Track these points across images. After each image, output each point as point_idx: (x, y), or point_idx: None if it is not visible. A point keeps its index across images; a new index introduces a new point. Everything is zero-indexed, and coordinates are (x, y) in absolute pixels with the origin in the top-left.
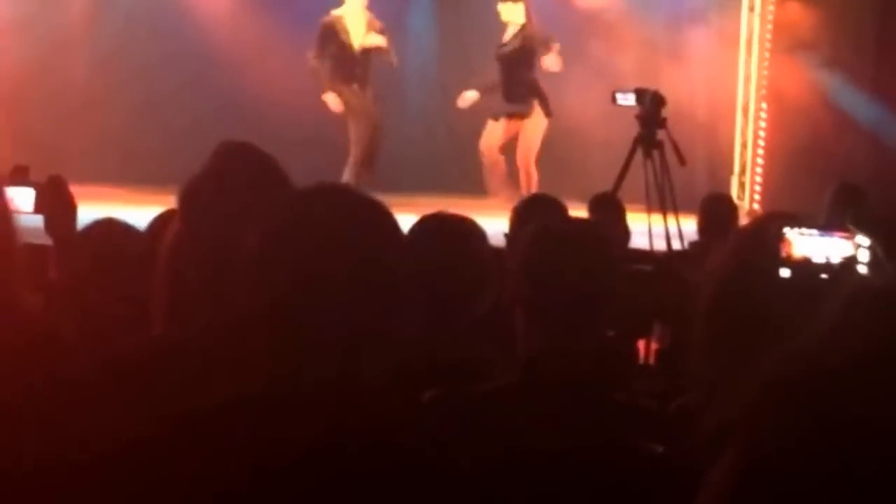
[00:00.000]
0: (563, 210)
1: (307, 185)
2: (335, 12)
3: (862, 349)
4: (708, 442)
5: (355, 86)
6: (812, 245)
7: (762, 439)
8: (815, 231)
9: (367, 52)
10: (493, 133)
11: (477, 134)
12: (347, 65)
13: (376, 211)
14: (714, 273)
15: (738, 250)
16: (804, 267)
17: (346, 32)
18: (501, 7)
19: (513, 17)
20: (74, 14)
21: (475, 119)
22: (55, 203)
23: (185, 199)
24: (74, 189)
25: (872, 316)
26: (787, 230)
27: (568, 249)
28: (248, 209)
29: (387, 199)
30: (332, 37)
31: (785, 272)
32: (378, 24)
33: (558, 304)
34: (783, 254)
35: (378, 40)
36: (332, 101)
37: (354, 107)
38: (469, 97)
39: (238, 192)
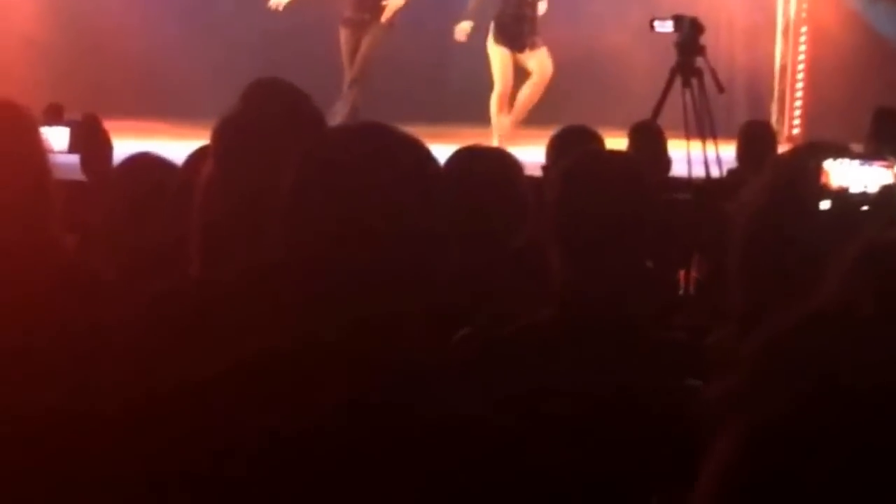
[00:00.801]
0: (600, 142)
1: (343, 124)
2: None
3: (871, 306)
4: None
5: (367, 15)
6: (851, 175)
7: (765, 405)
8: (854, 161)
9: None
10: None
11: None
12: None
13: (415, 151)
14: (749, 203)
15: (774, 181)
16: (842, 198)
17: None
18: None
19: None
20: None
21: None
22: (90, 142)
23: (217, 140)
24: (113, 124)
25: (883, 272)
26: (826, 161)
27: (601, 186)
28: (282, 149)
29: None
30: None
31: (823, 203)
32: None
33: (592, 240)
34: (821, 184)
35: None
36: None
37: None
38: (463, 28)
39: (271, 132)
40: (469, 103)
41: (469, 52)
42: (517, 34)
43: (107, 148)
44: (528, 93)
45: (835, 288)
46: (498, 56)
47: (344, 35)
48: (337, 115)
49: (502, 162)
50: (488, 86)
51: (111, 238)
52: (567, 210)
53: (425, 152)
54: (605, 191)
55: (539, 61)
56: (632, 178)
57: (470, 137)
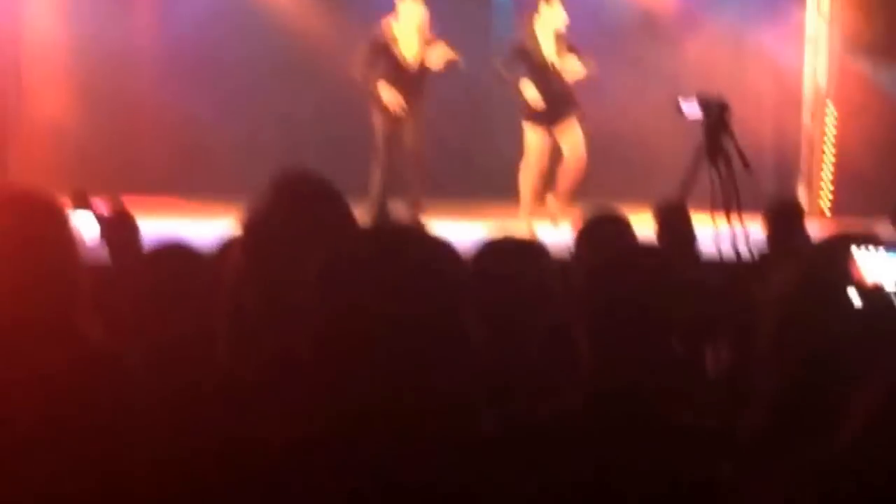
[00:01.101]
0: (628, 227)
1: (369, 224)
2: (391, 26)
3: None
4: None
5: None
6: (882, 265)
7: None
8: (882, 249)
9: (424, 67)
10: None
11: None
12: (400, 80)
13: (441, 253)
14: (780, 291)
15: (805, 271)
16: (876, 296)
17: (400, 47)
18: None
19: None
20: (136, 27)
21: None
22: (117, 229)
23: (247, 233)
24: (143, 200)
25: None
26: (856, 251)
27: (631, 283)
28: (310, 243)
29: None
30: (383, 52)
31: (856, 299)
32: (429, 35)
33: (622, 331)
34: (853, 278)
35: (438, 54)
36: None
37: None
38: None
39: (300, 227)
40: (496, 178)
41: (497, 127)
42: (548, 110)
43: (134, 234)
44: (566, 178)
45: (859, 427)
46: (532, 133)
47: (379, 119)
48: (400, 212)
49: (530, 257)
50: (515, 160)
51: (138, 325)
52: (597, 305)
53: (451, 255)
54: (636, 288)
55: (570, 141)
56: (662, 274)
57: (498, 213)
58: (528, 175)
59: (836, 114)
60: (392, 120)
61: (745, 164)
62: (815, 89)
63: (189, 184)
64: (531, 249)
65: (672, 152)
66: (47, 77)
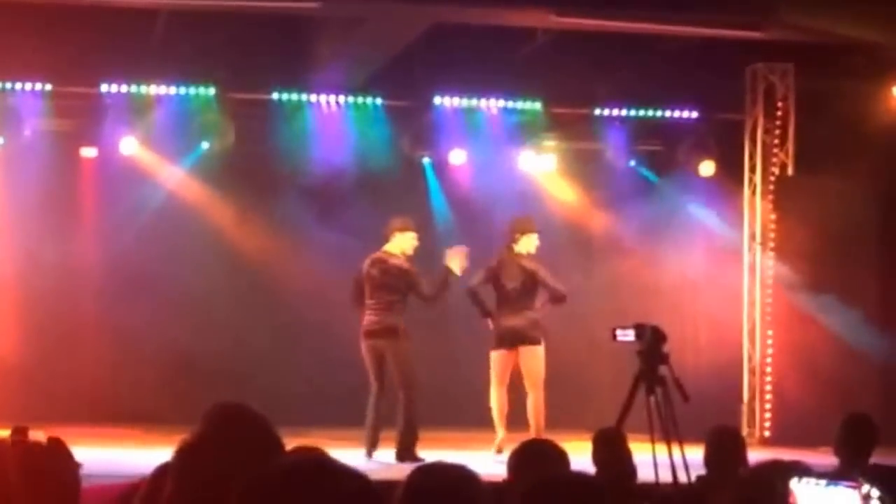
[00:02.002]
0: (563, 456)
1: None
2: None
3: None
4: None
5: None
6: (818, 496)
7: None
8: (822, 481)
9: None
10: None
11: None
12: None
13: (352, 484)
14: None
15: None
16: None
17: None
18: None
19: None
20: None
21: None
22: (53, 466)
23: (177, 457)
24: (87, 430)
25: None
26: (793, 482)
27: None
28: (238, 472)
29: None
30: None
31: None
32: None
33: None
34: None
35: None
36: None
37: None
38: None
39: (228, 456)
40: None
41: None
42: (513, 335)
43: (71, 472)
44: (533, 407)
45: None
46: (497, 360)
47: (365, 346)
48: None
49: (462, 480)
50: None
51: None
52: None
53: (364, 485)
54: None
55: (528, 367)
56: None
57: (463, 441)
58: (494, 402)
59: (774, 343)
60: (375, 347)
61: (684, 398)
62: (752, 319)
63: (124, 413)
64: (462, 472)
65: (615, 379)
66: None
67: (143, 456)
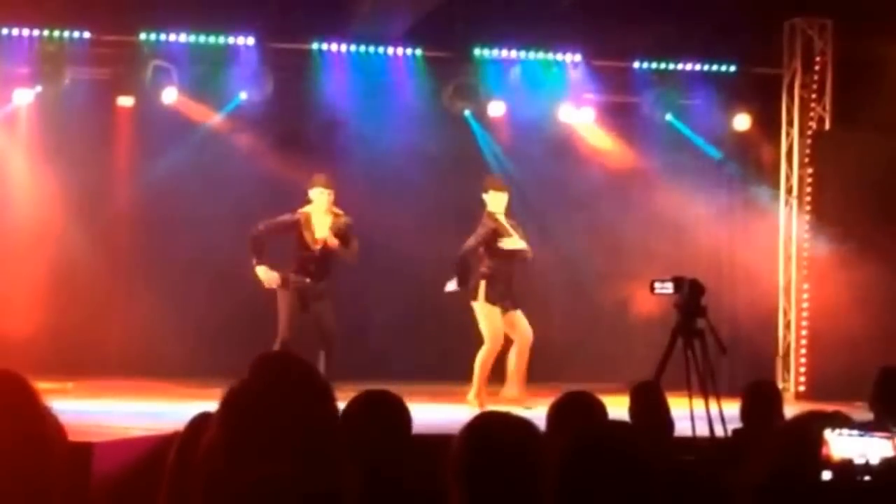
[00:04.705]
0: (601, 408)
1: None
2: (303, 210)
3: None
4: None
5: (308, 280)
6: (852, 446)
7: None
8: (854, 432)
9: (327, 251)
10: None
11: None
12: (305, 260)
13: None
14: (751, 478)
15: (775, 454)
16: (845, 469)
17: (311, 230)
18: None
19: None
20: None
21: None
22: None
23: (225, 410)
24: (106, 383)
25: None
26: (826, 432)
27: (602, 464)
28: (289, 419)
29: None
30: (293, 231)
31: (826, 474)
32: (344, 224)
33: None
34: (823, 456)
35: (335, 242)
36: (264, 274)
37: (287, 305)
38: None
39: (280, 403)
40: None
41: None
42: (507, 293)
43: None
44: (518, 360)
45: None
46: (490, 315)
47: (284, 296)
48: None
49: (525, 431)
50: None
51: None
52: (570, 488)
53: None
54: (607, 468)
55: (521, 326)
56: (632, 453)
57: (445, 396)
58: (483, 357)
59: (810, 297)
60: (299, 298)
61: (722, 350)
62: (789, 274)
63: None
64: (525, 424)
65: (652, 334)
66: None
67: (175, 409)
